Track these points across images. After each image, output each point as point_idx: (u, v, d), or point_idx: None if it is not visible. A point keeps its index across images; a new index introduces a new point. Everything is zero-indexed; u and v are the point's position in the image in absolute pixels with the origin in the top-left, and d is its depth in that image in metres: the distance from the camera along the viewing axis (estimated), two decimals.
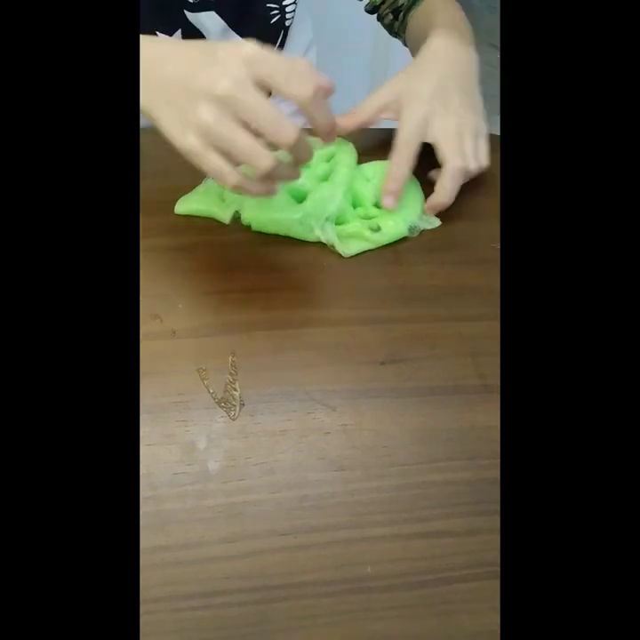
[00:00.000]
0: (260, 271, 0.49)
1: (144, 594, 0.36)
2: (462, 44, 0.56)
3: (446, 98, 0.53)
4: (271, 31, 0.69)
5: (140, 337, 0.45)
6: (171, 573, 0.37)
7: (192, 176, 0.49)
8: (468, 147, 0.53)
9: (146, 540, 0.37)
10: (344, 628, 0.36)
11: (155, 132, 0.42)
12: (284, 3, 0.66)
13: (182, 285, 0.48)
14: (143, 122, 0.42)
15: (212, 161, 0.40)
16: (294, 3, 0.67)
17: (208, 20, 0.65)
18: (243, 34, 0.68)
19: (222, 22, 0.66)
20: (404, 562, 0.38)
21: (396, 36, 0.72)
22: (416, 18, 0.66)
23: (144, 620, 0.35)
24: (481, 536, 0.39)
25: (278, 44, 0.70)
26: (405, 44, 0.70)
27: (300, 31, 0.75)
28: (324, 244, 0.50)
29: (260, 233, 0.51)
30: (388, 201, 0.52)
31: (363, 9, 0.73)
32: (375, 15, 0.73)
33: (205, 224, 0.52)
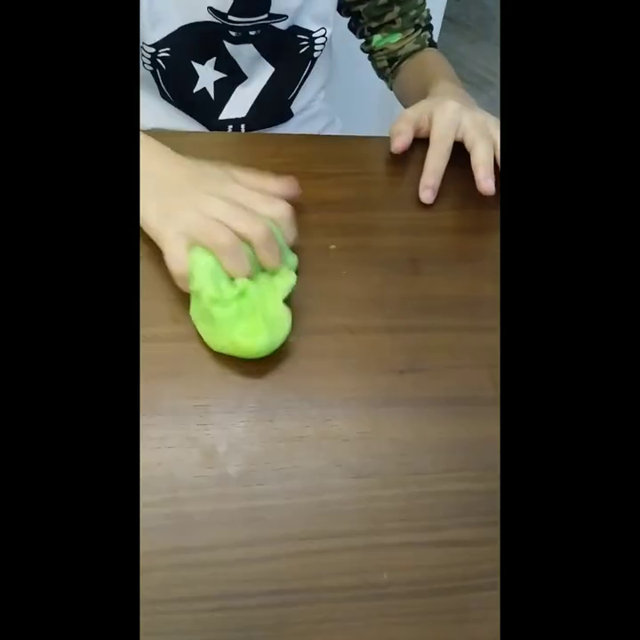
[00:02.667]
0: None
1: (163, 594, 0.37)
2: (458, 86, 0.65)
3: (470, 105, 0.57)
4: (299, 61, 0.71)
5: (163, 339, 0.45)
6: (190, 575, 0.37)
7: None
8: (494, 134, 0.55)
9: (166, 541, 0.38)
10: (360, 633, 0.36)
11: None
12: (314, 35, 0.68)
13: None
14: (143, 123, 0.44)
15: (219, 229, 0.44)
16: (324, 36, 0.69)
17: (245, 51, 0.67)
18: (272, 62, 0.70)
19: (256, 52, 0.68)
20: (420, 569, 0.38)
21: (381, 78, 0.81)
22: (407, 70, 0.75)
23: (163, 619, 0.36)
24: (496, 546, 0.39)
25: (305, 72, 0.72)
26: (391, 88, 0.79)
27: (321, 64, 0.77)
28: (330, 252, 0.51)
29: None
30: (425, 195, 0.54)
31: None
32: (367, 54, 0.81)
33: None
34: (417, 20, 0.76)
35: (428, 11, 0.78)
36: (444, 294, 0.50)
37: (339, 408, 0.44)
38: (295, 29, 0.68)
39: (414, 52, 0.76)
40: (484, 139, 0.54)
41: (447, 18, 1.22)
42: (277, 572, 0.38)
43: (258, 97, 0.72)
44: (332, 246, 0.51)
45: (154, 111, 0.71)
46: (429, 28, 0.78)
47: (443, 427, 0.43)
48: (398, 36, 0.76)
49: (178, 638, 0.36)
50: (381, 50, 0.77)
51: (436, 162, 0.54)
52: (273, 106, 0.74)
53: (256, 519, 0.39)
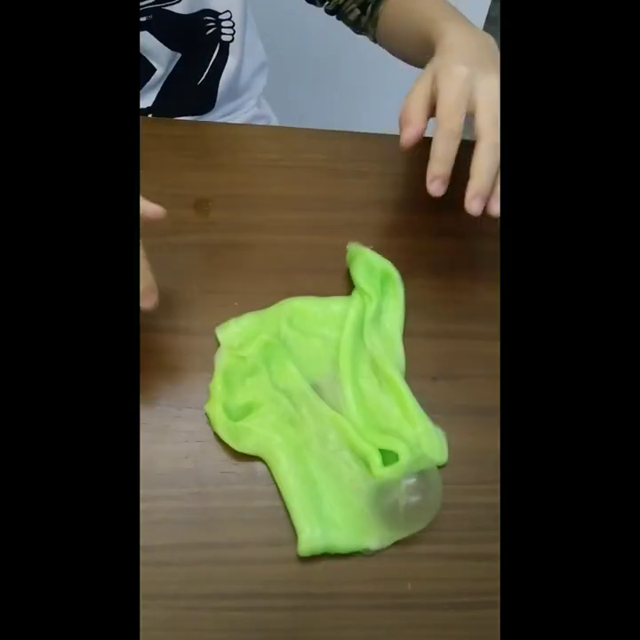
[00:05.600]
0: (319, 274, 0.49)
1: (186, 590, 0.36)
2: (473, 29, 0.49)
3: (483, 64, 0.45)
4: (207, 43, 0.66)
5: (197, 332, 0.45)
6: (214, 571, 0.37)
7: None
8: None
9: (192, 536, 0.38)
10: None
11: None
12: (220, 17, 0.65)
13: (240, 283, 0.48)
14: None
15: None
16: (231, 20, 0.65)
17: (148, 42, 0.63)
18: (177, 49, 0.66)
19: (158, 42, 0.63)
20: (445, 582, 0.38)
21: (361, 33, 0.66)
22: (390, 7, 0.60)
23: (183, 614, 0.36)
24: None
25: (215, 56, 0.68)
26: (374, 40, 0.65)
27: (250, 53, 0.73)
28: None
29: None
30: (434, 187, 0.44)
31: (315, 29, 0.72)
32: (334, 18, 0.67)
33: (259, 223, 0.52)
34: None
35: None
36: (481, 301, 0.49)
37: None
38: (203, 13, 0.63)
39: None
40: (492, 130, 0.43)
41: (489, 19, 1.20)
42: (301, 575, 0.37)
43: (164, 84, 0.67)
44: (371, 247, 0.51)
45: None
46: None
47: (475, 437, 0.42)
48: None
49: (197, 635, 0.36)
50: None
51: (443, 146, 0.44)
52: (182, 92, 0.69)
53: (281, 519, 0.39)
